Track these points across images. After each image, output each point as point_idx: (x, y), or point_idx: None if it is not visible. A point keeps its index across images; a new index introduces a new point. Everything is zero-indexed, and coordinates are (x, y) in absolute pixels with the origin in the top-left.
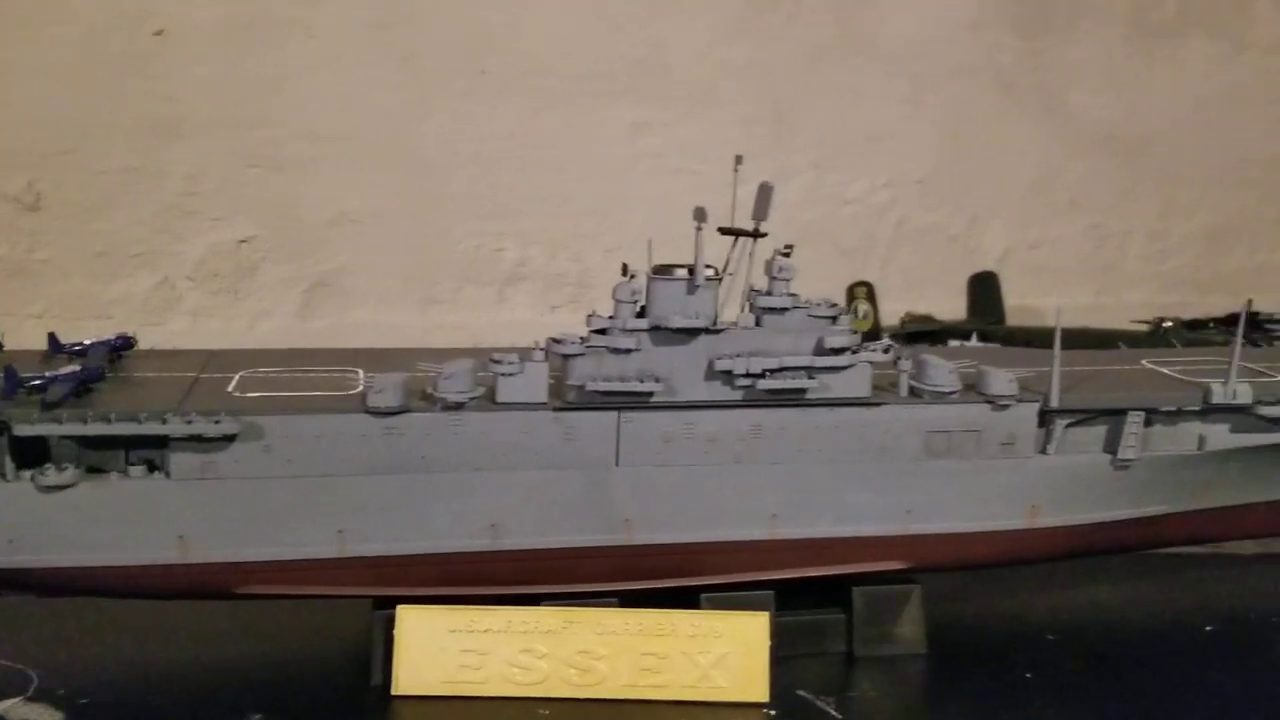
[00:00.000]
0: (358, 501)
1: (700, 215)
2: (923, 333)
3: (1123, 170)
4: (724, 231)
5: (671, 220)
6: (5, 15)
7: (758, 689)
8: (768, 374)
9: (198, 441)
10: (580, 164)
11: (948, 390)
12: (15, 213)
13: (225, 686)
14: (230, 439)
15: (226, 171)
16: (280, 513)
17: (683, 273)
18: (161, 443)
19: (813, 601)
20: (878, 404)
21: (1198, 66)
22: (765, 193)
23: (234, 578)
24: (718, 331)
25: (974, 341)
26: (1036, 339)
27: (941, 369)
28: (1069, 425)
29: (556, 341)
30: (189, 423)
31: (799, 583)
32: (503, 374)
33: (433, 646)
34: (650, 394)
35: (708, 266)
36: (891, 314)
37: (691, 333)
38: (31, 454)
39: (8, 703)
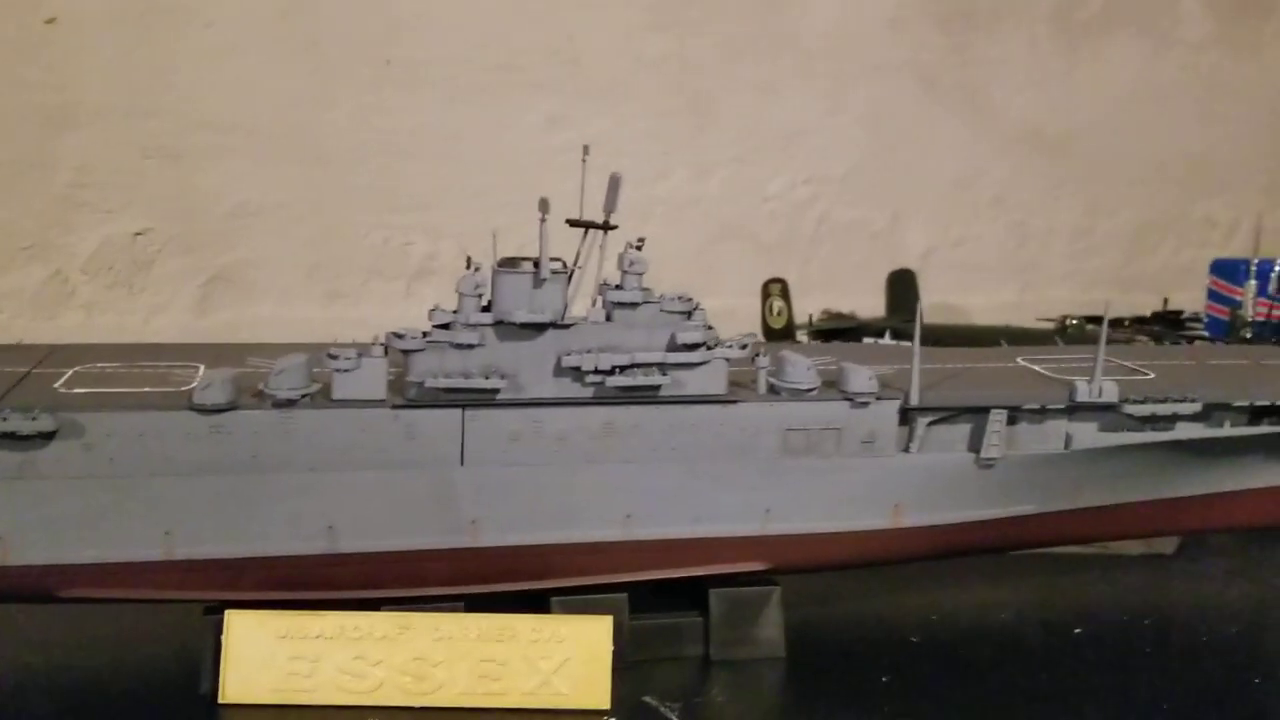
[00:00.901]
0: (185, 502)
1: (544, 206)
2: (838, 330)
3: (1047, 168)
4: (572, 223)
5: (586, 215)
6: None
7: (599, 695)
8: (618, 370)
9: (13, 439)
10: (493, 157)
11: (806, 388)
12: None
13: (44, 696)
14: (49, 436)
15: (121, 162)
16: (103, 513)
17: (528, 266)
18: None
19: (670, 604)
20: (734, 401)
21: (1123, 64)
22: (614, 184)
23: (55, 581)
24: (566, 326)
25: (888, 339)
26: (950, 336)
27: (800, 366)
28: (932, 423)
29: (397, 336)
30: (4, 419)
31: (655, 585)
32: (339, 370)
33: (262, 653)
34: (495, 391)
35: (555, 260)
36: (810, 311)
37: (538, 327)
38: None
39: None
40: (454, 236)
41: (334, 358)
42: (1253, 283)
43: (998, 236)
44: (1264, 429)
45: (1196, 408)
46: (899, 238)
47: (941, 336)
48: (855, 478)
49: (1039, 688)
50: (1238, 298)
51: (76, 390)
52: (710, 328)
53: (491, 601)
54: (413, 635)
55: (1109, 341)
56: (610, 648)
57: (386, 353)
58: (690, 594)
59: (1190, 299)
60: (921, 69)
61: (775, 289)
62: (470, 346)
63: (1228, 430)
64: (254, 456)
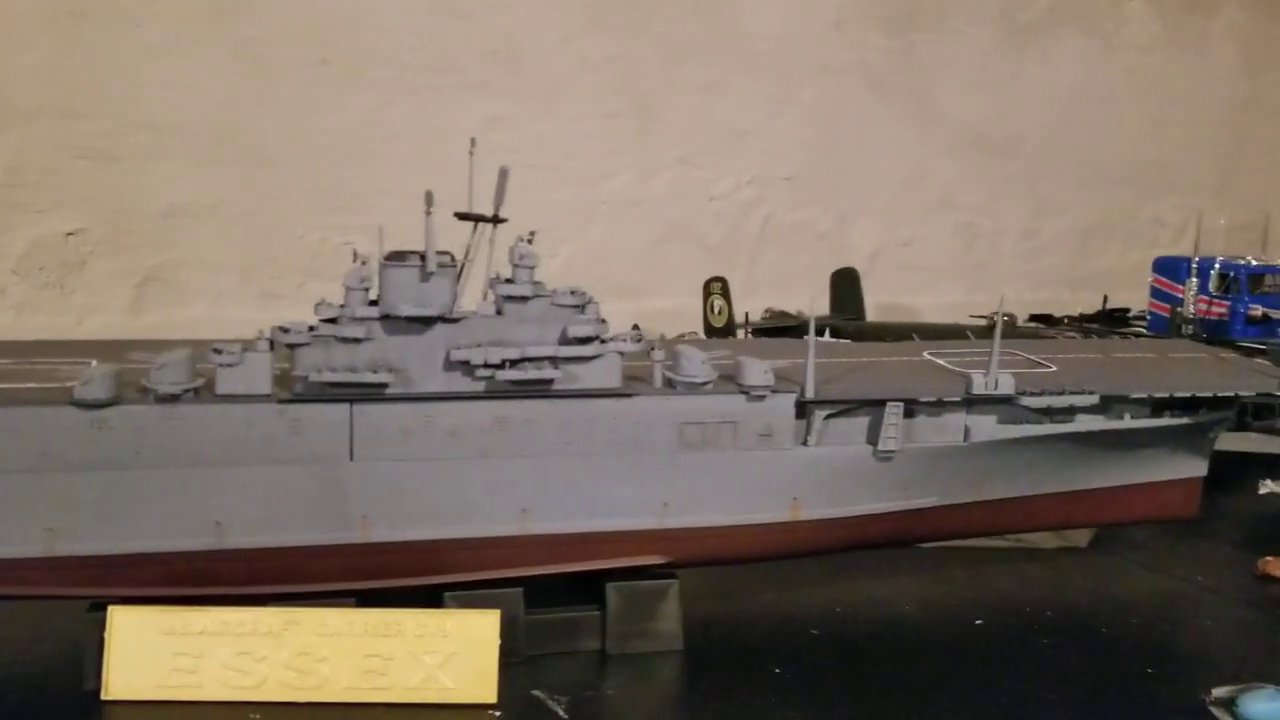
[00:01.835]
0: (67, 498)
1: (429, 200)
2: (780, 328)
3: (994, 169)
4: (460, 217)
5: (526, 216)
6: None
7: (485, 690)
8: (509, 364)
9: None
10: (431, 158)
11: (701, 381)
12: None
13: None
14: None
15: (52, 162)
16: None
17: (415, 259)
18: None
19: (567, 598)
20: (629, 395)
21: (1069, 66)
22: (503, 177)
23: None
24: (455, 320)
25: (827, 337)
26: (890, 334)
27: (694, 360)
28: (830, 416)
29: (283, 330)
30: None
31: (552, 579)
32: (222, 364)
33: (146, 649)
34: (384, 385)
35: (443, 253)
36: (754, 310)
37: (426, 321)
38: None
39: None
40: (393, 238)
41: (218, 352)
42: (1193, 280)
43: (945, 237)
44: (1164, 421)
45: (1094, 400)
46: (846, 238)
47: (879, 334)
48: (753, 471)
49: (933, 677)
50: (1179, 295)
51: None
52: (603, 321)
53: (385, 598)
54: (298, 631)
55: (1024, 337)
56: (497, 642)
57: (272, 347)
58: (588, 588)
59: (1138, 298)
60: (867, 70)
61: (716, 288)
62: (357, 341)
63: (1128, 422)
64: (137, 452)
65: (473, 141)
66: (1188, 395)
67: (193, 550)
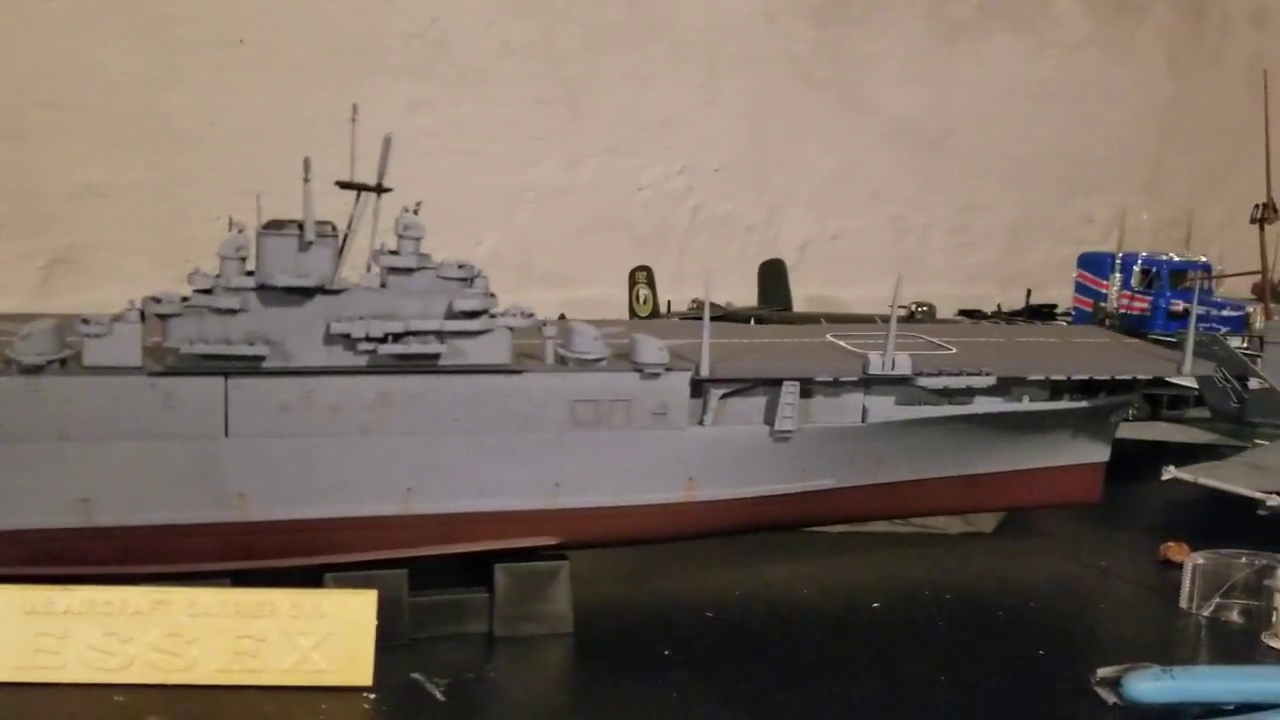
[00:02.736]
0: None
1: (307, 166)
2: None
3: (924, 163)
4: (343, 185)
5: (450, 202)
6: None
7: (361, 671)
8: (391, 338)
9: None
10: (348, 143)
11: (594, 358)
12: None
13: None
14: None
15: None
16: None
17: (294, 229)
18: None
19: (455, 580)
20: (518, 371)
21: (1000, 62)
22: (386, 146)
23: None
24: (336, 292)
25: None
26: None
27: (587, 336)
28: (726, 396)
29: (154, 300)
30: None
31: (439, 561)
32: (89, 335)
33: (6, 629)
34: (260, 358)
35: (324, 223)
36: (681, 300)
37: (305, 293)
38: None
39: None
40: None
41: (86, 323)
42: (1117, 276)
43: (875, 230)
44: (1063, 404)
45: (990, 381)
46: (775, 230)
47: (805, 324)
48: (647, 450)
49: (824, 659)
50: (1104, 290)
51: None
52: (492, 295)
53: (264, 579)
54: (168, 611)
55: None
56: (373, 623)
57: (144, 319)
58: (477, 570)
59: (1066, 294)
60: (796, 62)
61: (641, 277)
62: (232, 312)
63: (1026, 405)
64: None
65: (355, 108)
66: (1085, 378)
67: (58, 528)
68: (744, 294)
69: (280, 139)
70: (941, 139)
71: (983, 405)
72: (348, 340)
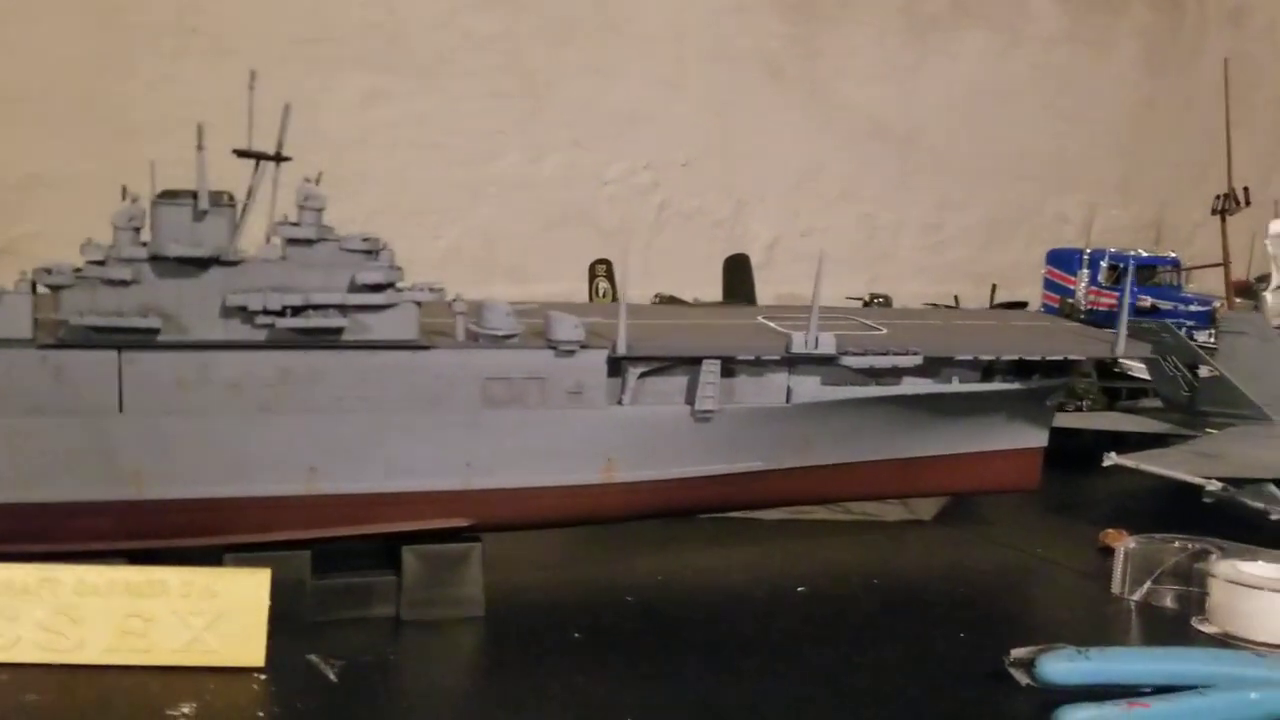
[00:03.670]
0: None
1: (200, 134)
2: None
3: (896, 161)
4: (240, 154)
5: (410, 196)
6: None
7: (253, 652)
8: (290, 312)
9: None
10: (306, 134)
11: (505, 334)
12: None
13: None
14: None
15: None
16: None
17: (188, 198)
18: None
19: (364, 563)
20: (426, 348)
21: (973, 59)
22: (286, 115)
23: None
24: (234, 263)
25: None
26: None
27: (498, 311)
28: (645, 375)
29: (45, 271)
30: None
31: (346, 541)
32: None
33: None
34: (154, 331)
35: (221, 193)
36: (644, 295)
37: (200, 264)
38: None
39: None
40: (263, 215)
41: None
42: (1085, 272)
43: (846, 228)
44: (993, 385)
45: (917, 361)
46: (743, 226)
47: None
48: (563, 430)
49: (742, 643)
50: (1072, 287)
51: None
52: (398, 268)
53: (163, 559)
54: (55, 589)
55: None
56: (266, 602)
57: (35, 290)
58: (387, 553)
59: (1040, 293)
60: (766, 57)
61: (600, 270)
62: (125, 283)
63: (955, 386)
64: None
65: (253, 75)
66: (1015, 359)
67: None
68: (711, 290)
69: (231, 128)
70: (913, 137)
71: (911, 386)
72: (245, 313)
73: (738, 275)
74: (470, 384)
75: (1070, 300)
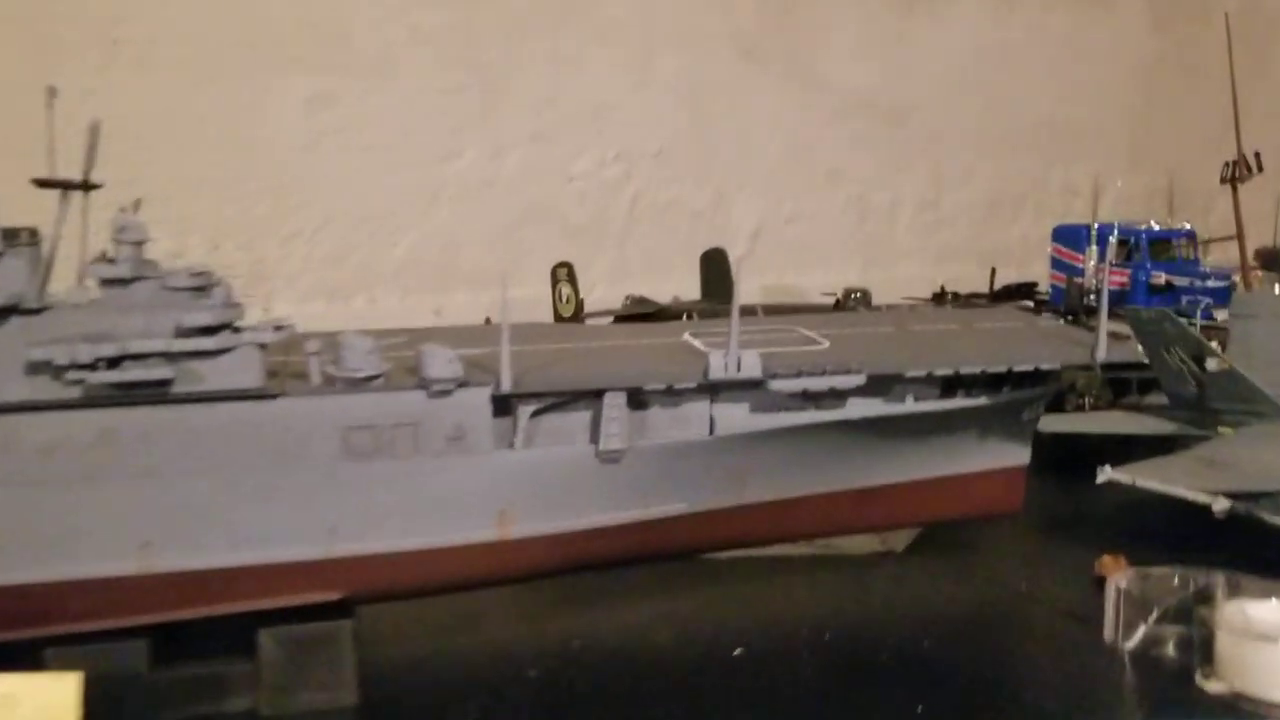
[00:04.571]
0: None
1: None
2: (642, 315)
3: (886, 138)
4: (41, 184)
5: (361, 203)
6: None
7: None
8: (104, 364)
9: None
10: (247, 142)
11: (368, 375)
12: None
13: None
14: None
15: None
16: None
17: None
18: None
19: (214, 649)
20: (273, 396)
21: (966, 25)
22: (93, 134)
23: None
24: (35, 311)
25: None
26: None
27: (358, 349)
28: (539, 413)
29: None
30: None
31: (191, 625)
32: None
33: None
34: None
35: (20, 230)
36: (615, 297)
37: None
38: None
39: None
40: (203, 231)
41: None
42: (1093, 249)
43: (835, 212)
44: (955, 403)
45: (859, 380)
46: (724, 217)
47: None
48: (444, 482)
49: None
50: (1080, 265)
51: None
52: (236, 305)
53: None
54: None
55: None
56: (77, 709)
57: None
58: (242, 634)
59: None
60: (738, 37)
61: (562, 274)
62: None
63: (910, 406)
64: None
65: (52, 91)
66: (977, 372)
67: None
68: (692, 287)
69: (163, 144)
70: (903, 112)
71: (858, 409)
72: (52, 368)
73: (714, 271)
74: (328, 435)
75: (1078, 280)
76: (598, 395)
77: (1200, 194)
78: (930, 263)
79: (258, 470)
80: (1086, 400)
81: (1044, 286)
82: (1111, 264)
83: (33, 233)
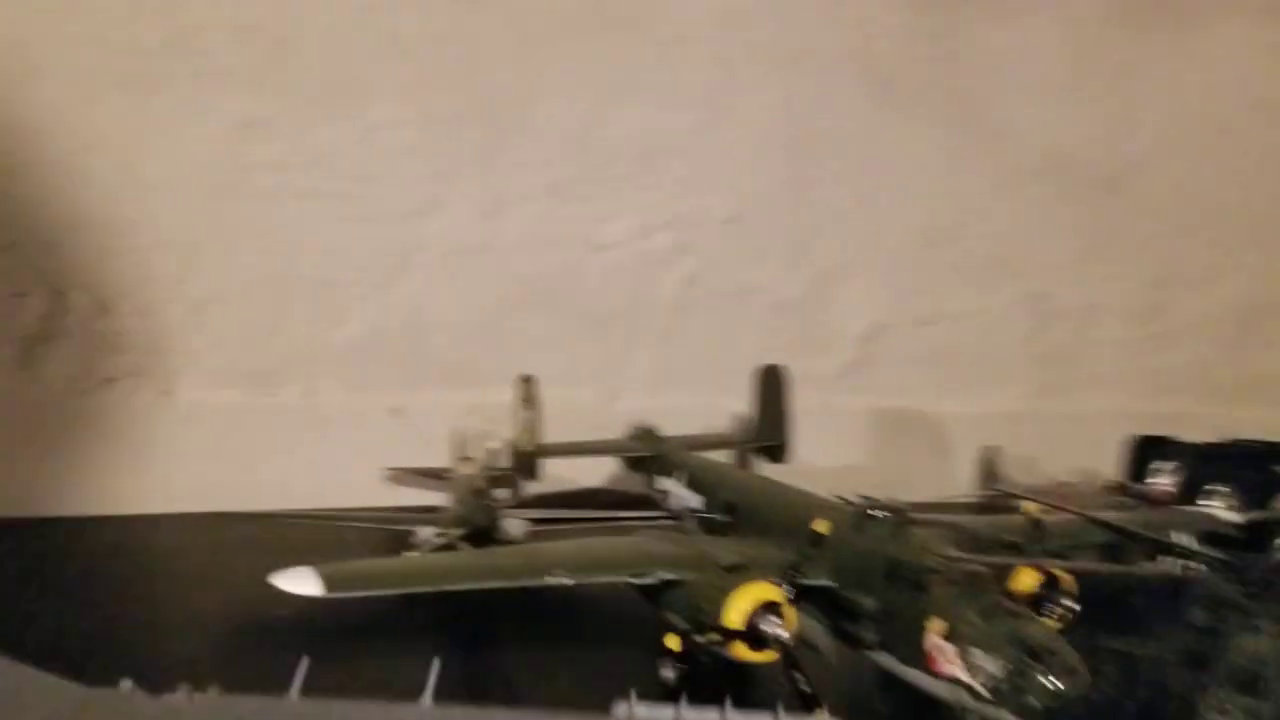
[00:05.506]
0: None
1: None
2: (639, 459)
3: (1086, 213)
4: None
5: (301, 264)
6: None
7: None
8: None
9: None
10: (156, 176)
11: None
12: None
13: None
14: None
15: None
16: None
17: None
18: None
19: None
20: None
21: (1232, 58)
22: None
23: None
24: None
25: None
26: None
27: None
28: None
29: None
30: None
31: None
32: None
33: None
34: None
35: None
36: (616, 425)
37: None
38: None
39: None
40: (88, 287)
41: None
42: None
43: (998, 314)
44: None
45: None
46: (823, 311)
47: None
48: None
49: None
50: None
51: None
52: None
53: None
54: None
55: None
56: None
57: None
58: None
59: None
60: (867, 62)
61: (522, 390)
62: None
63: None
64: None
65: None
66: None
67: None
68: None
69: (47, 173)
70: (1116, 177)
71: None
72: None
73: (769, 395)
74: None
75: None
76: None
77: None
78: (1143, 394)
79: None
80: None
81: None
82: None
83: None
